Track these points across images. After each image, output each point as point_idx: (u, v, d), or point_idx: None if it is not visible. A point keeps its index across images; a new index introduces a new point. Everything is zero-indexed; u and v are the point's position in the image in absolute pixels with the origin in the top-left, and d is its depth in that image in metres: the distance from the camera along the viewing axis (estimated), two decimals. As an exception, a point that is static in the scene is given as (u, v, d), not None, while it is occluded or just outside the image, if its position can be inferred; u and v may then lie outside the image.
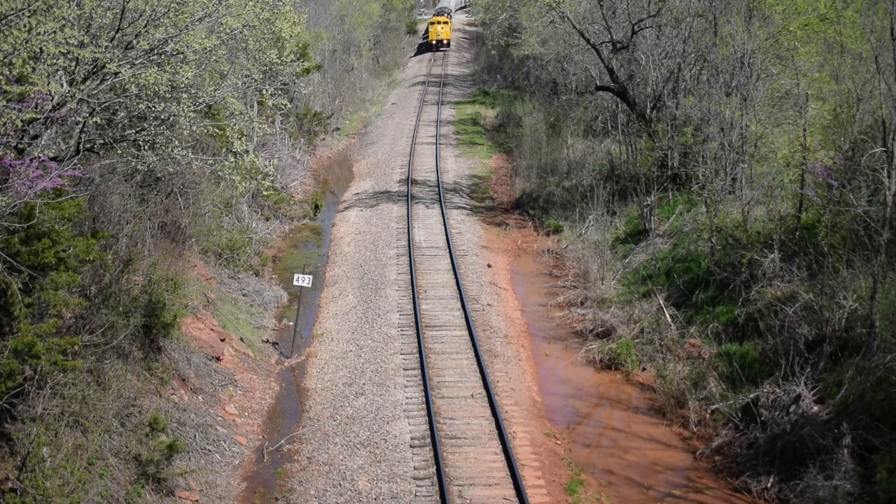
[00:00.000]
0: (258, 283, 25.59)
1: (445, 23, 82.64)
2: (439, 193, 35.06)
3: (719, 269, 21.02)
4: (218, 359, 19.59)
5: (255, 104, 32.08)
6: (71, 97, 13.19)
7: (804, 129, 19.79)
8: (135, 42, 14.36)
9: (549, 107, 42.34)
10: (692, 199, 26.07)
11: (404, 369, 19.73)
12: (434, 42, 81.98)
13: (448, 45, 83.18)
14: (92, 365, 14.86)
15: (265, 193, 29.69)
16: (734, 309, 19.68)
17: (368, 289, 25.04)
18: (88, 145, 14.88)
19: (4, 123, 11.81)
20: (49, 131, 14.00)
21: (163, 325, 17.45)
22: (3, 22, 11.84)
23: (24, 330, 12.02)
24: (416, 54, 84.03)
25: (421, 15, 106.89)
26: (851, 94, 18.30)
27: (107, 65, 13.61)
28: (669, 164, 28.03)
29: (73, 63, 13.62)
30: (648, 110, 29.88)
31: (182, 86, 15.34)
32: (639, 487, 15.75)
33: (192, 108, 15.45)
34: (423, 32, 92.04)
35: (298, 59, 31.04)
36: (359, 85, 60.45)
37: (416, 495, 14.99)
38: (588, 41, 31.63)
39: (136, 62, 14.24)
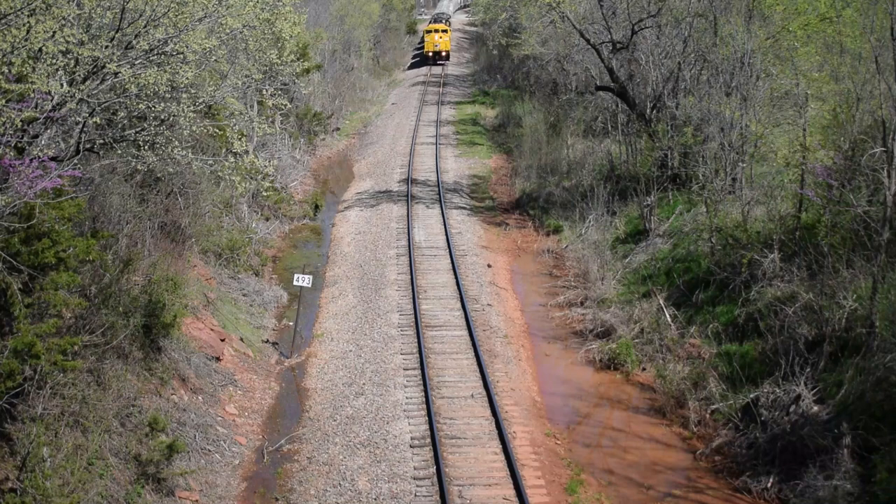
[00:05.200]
0: (258, 283, 25.58)
1: (444, 31, 72.68)
2: (439, 193, 35.06)
3: (719, 269, 21.02)
4: (218, 359, 19.59)
5: (255, 104, 32.08)
6: (71, 97, 13.18)
7: (804, 129, 19.79)
8: (135, 42, 14.36)
9: (549, 107, 42.33)
10: (692, 199, 26.06)
11: (404, 369, 19.73)
12: (430, 54, 72.30)
13: (447, 57, 73.30)
14: (92, 365, 14.86)
15: (265, 193, 29.71)
16: (734, 309, 19.68)
17: (368, 289, 25.04)
18: (88, 145, 14.88)
19: (4, 123, 11.81)
20: (49, 131, 14.00)
21: (163, 325, 17.44)
22: (3, 21, 11.84)
23: (24, 330, 12.03)
24: (409, 67, 75.11)
25: (421, 15, 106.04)
26: (851, 94, 18.29)
27: (107, 65, 13.61)
28: (669, 164, 28.02)
29: (73, 62, 13.62)
30: (648, 110, 29.87)
31: (182, 86, 15.33)
32: (639, 487, 15.75)
33: (191, 108, 15.45)
34: (418, 42, 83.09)
35: (298, 60, 31.05)
36: (359, 85, 60.43)
37: (416, 495, 15.00)
38: (588, 41, 31.63)
39: (136, 62, 14.24)
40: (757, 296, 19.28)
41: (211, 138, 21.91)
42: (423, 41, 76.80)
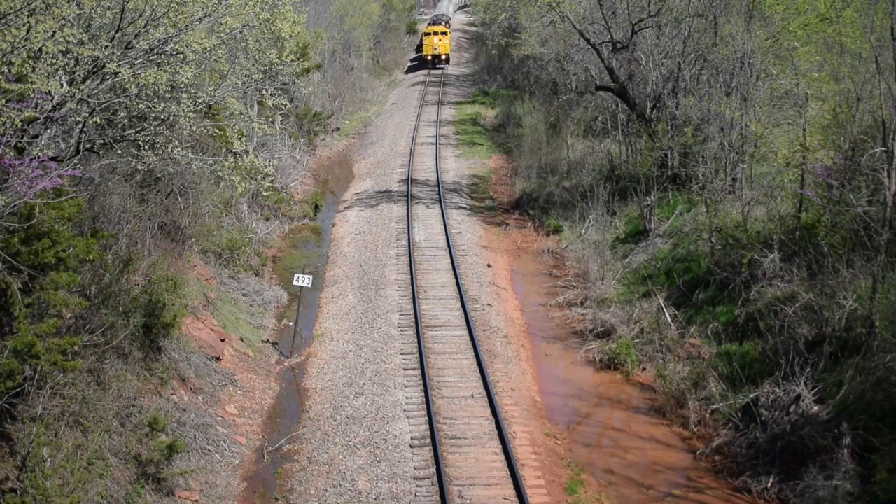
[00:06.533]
0: (258, 283, 25.58)
1: (444, 33, 69.93)
2: (439, 193, 35.06)
3: (719, 269, 21.02)
4: (218, 359, 19.59)
5: (255, 104, 32.08)
6: (71, 97, 13.18)
7: (804, 129, 19.79)
8: (135, 42, 14.36)
9: (549, 107, 42.33)
10: (692, 199, 26.07)
11: (404, 369, 19.73)
12: (429, 57, 69.63)
13: (447, 61, 70.58)
14: (92, 365, 14.85)
15: (265, 193, 29.71)
16: (734, 309, 19.68)
17: (368, 289, 25.04)
18: (88, 145, 14.88)
19: (4, 123, 11.81)
20: (49, 131, 14.00)
21: (163, 325, 17.44)
22: (3, 21, 11.84)
23: (24, 330, 12.02)
24: (408, 71, 73.03)
25: (421, 15, 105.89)
26: (851, 94, 18.29)
27: (107, 64, 13.61)
28: (669, 164, 28.03)
29: (73, 62, 13.62)
30: (648, 110, 29.87)
31: (182, 86, 15.33)
32: (639, 487, 15.75)
33: (192, 108, 15.45)
34: (418, 44, 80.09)
35: (298, 59, 31.06)
36: (359, 85, 60.42)
37: (416, 495, 15.00)
38: (588, 41, 31.63)
39: (136, 62, 14.24)
40: (757, 296, 19.28)
41: (211, 138, 21.91)
42: (421, 44, 73.87)
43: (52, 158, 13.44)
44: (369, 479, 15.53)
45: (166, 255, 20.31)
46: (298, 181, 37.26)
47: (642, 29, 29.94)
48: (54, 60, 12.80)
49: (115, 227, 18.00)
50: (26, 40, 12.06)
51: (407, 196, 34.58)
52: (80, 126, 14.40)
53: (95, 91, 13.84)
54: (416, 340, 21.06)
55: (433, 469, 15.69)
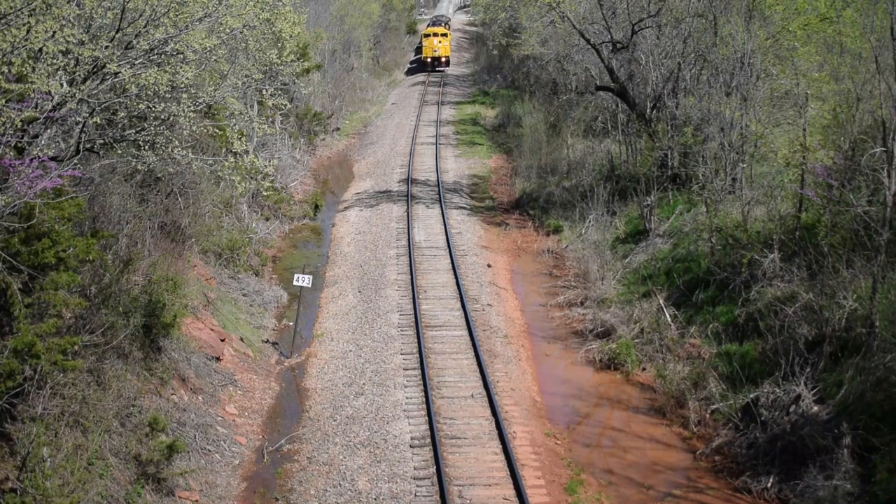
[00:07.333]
0: (258, 283, 25.58)
1: (444, 35, 68.70)
2: (439, 193, 35.06)
3: (719, 269, 21.03)
4: (218, 359, 19.59)
5: (255, 104, 32.07)
6: (71, 97, 13.18)
7: (804, 129, 19.79)
8: (135, 42, 14.36)
9: (549, 107, 42.34)
10: (692, 199, 26.07)
11: (404, 369, 19.73)
12: (429, 60, 68.59)
13: (447, 63, 69.61)
14: (92, 365, 14.86)
15: (265, 193, 29.70)
16: (734, 309, 19.68)
17: (368, 289, 25.04)
18: (88, 145, 14.87)
19: (4, 123, 11.81)
20: (49, 131, 14.00)
21: (163, 325, 17.44)
22: (3, 21, 11.84)
23: (24, 330, 12.02)
24: (407, 73, 72.14)
25: (421, 15, 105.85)
26: (851, 94, 18.29)
27: (107, 65, 13.60)
28: (669, 164, 28.03)
29: (73, 62, 13.62)
30: (648, 110, 29.88)
31: (182, 86, 15.32)
32: (639, 487, 15.75)
33: (192, 108, 15.44)
34: (417, 45, 79.13)
35: (298, 59, 31.06)
36: (359, 85, 60.42)
37: (416, 495, 15.00)
38: (588, 41, 31.64)
39: (136, 62, 14.23)
40: (757, 296, 19.28)
41: (211, 138, 21.91)
42: (420, 46, 72.94)
43: (52, 158, 13.44)
44: (369, 479, 15.53)
45: (166, 255, 20.31)
46: (298, 181, 37.26)
47: (642, 29, 29.95)
48: (54, 60, 12.80)
49: (115, 227, 18.00)
50: (26, 40, 12.06)
51: (407, 196, 34.58)
52: (80, 126, 14.40)
53: (95, 91, 13.84)
54: (416, 340, 21.06)
55: (433, 469, 15.69)
